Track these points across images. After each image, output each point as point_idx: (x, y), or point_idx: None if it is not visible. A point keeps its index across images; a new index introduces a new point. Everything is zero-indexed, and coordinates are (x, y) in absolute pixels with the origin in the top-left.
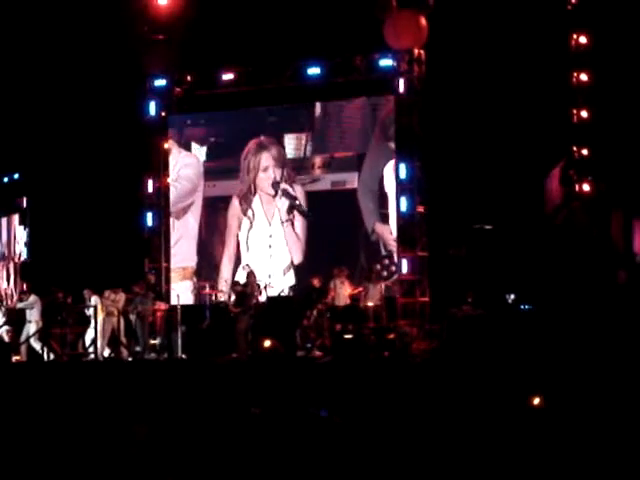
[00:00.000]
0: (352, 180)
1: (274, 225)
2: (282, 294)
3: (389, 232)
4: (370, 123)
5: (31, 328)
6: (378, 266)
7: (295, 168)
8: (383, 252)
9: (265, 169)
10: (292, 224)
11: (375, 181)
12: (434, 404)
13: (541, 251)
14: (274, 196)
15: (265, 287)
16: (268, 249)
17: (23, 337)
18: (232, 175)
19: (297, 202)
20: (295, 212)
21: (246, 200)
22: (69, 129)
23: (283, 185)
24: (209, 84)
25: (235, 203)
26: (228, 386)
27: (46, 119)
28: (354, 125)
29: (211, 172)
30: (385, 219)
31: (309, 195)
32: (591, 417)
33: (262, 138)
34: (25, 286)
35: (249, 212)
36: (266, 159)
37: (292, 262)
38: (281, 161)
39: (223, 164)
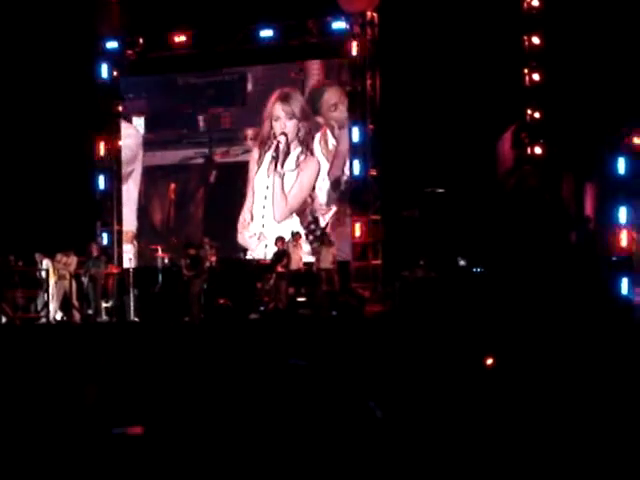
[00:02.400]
0: None
1: (271, 175)
2: (237, 257)
3: (316, 199)
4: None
5: None
6: (305, 231)
7: (227, 139)
8: (309, 218)
9: (277, 119)
10: (280, 177)
11: None
12: (387, 361)
13: (493, 214)
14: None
15: (217, 250)
16: (264, 199)
17: None
18: (170, 146)
19: (274, 154)
20: (279, 167)
21: (262, 145)
22: (21, 91)
23: (280, 138)
24: (161, 46)
25: (253, 152)
26: (181, 348)
27: None
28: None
29: (150, 143)
30: (312, 188)
31: (241, 164)
32: (542, 376)
33: (286, 89)
34: None
35: (261, 157)
36: (279, 109)
37: (274, 217)
38: (297, 113)
39: (162, 135)
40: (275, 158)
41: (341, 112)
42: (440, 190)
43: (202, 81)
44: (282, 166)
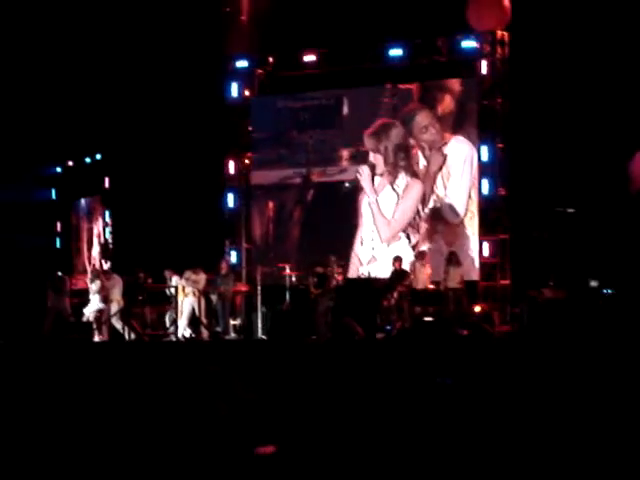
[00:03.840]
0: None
1: (379, 199)
2: (363, 276)
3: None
4: (392, 119)
5: (112, 308)
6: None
7: (324, 160)
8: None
9: (378, 150)
10: (377, 203)
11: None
12: (515, 381)
13: (624, 234)
14: (382, 175)
15: (344, 268)
16: (372, 221)
17: (104, 317)
18: (270, 166)
19: (390, 183)
20: (389, 191)
21: (370, 174)
22: (151, 110)
23: (384, 167)
24: (291, 65)
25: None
26: (308, 367)
27: (128, 101)
28: (378, 121)
29: (256, 162)
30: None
31: (337, 184)
32: None
33: (381, 121)
34: (107, 266)
35: (371, 181)
36: (381, 140)
37: (380, 237)
38: (398, 143)
39: (262, 156)
40: (361, 186)
41: (431, 134)
42: (571, 210)
43: (301, 104)
44: (374, 193)
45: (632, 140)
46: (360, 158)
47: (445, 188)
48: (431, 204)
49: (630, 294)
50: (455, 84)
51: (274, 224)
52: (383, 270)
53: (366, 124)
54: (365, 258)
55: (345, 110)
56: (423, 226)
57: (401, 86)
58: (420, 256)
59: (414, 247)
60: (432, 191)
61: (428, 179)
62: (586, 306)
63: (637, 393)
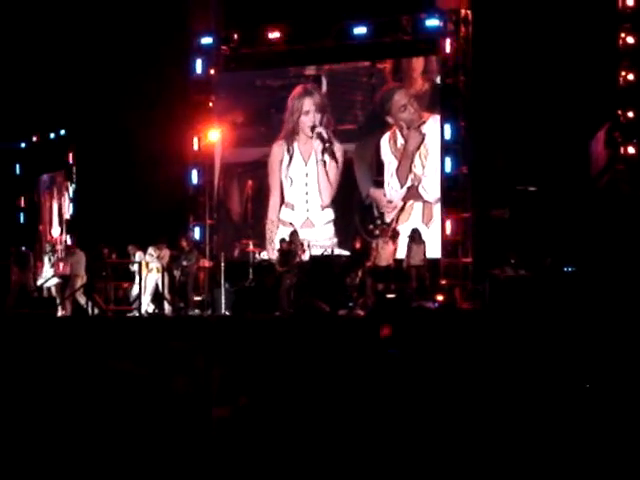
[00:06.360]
0: (353, 150)
1: (310, 165)
2: (325, 253)
3: (383, 196)
4: (370, 98)
5: (76, 283)
6: (371, 226)
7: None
8: (376, 214)
9: (306, 113)
10: (324, 165)
11: (371, 151)
12: (477, 358)
13: (585, 213)
14: (311, 138)
15: (309, 245)
16: (305, 186)
17: (67, 292)
18: (248, 144)
19: (327, 145)
20: (327, 155)
21: (288, 139)
22: (116, 86)
23: (319, 129)
24: (255, 42)
25: (275, 148)
26: (269, 342)
27: (93, 76)
28: (356, 99)
29: (231, 140)
30: (379, 185)
31: None
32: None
33: (308, 85)
34: (70, 241)
35: (290, 149)
36: (308, 104)
37: (322, 203)
38: (321, 107)
39: (242, 134)
40: (322, 148)
41: (410, 113)
42: (532, 188)
43: (279, 83)
44: (329, 155)
45: (594, 120)
46: (338, 137)
47: (423, 167)
48: (409, 183)
49: (591, 271)
50: (429, 62)
51: (252, 202)
52: (321, 234)
53: (345, 103)
54: (298, 222)
55: (324, 90)
56: (401, 204)
57: (379, 65)
58: (383, 233)
59: (390, 224)
60: (410, 170)
61: (406, 158)
62: (547, 284)
63: (596, 367)
